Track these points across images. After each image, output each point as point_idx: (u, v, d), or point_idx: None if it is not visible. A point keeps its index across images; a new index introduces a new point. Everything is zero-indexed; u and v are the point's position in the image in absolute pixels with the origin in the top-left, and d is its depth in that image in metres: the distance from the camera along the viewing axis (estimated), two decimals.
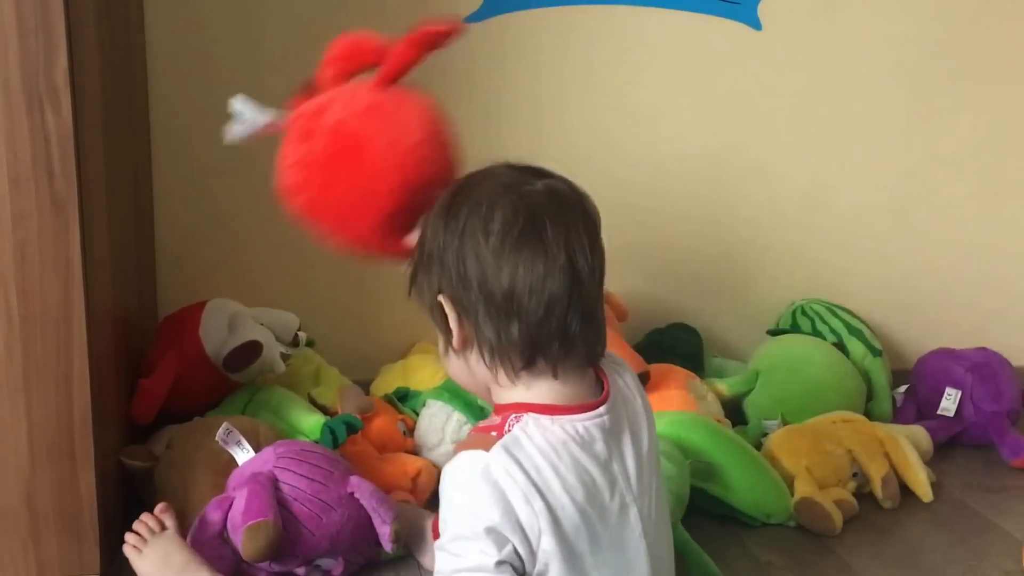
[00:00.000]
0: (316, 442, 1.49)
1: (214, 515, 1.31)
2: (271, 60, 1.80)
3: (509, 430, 0.97)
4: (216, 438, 1.38)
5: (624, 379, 1.07)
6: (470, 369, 1.02)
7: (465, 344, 1.00)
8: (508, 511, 0.93)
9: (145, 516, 1.29)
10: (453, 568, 0.94)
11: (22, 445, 1.25)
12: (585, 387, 1.01)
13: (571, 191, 1.00)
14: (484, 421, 1.01)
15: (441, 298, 1.00)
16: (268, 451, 1.37)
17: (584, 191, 1.02)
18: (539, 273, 0.95)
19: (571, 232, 0.96)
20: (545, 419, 0.97)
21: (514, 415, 0.98)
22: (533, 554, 0.95)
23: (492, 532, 0.93)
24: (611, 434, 1.00)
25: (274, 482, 1.31)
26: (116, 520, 1.39)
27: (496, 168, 1.02)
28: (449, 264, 0.98)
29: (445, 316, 1.00)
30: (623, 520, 0.99)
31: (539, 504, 0.94)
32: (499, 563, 0.93)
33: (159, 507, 1.31)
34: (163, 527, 1.28)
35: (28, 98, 1.17)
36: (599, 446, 0.99)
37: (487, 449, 0.95)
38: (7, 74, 1.16)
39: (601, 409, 1.00)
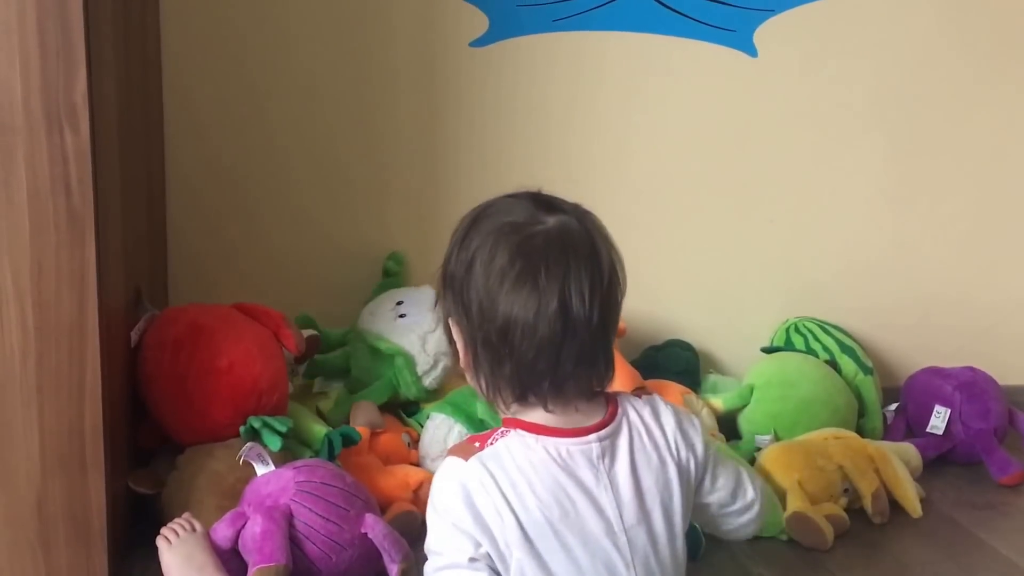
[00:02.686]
0: (318, 454, 1.52)
1: (227, 530, 1.33)
2: (287, 78, 1.84)
3: (493, 443, 1.01)
4: (239, 455, 1.39)
5: (651, 415, 1.06)
6: (476, 386, 1.06)
7: (468, 367, 1.05)
8: (478, 518, 0.98)
9: (181, 518, 1.33)
10: (434, 567, 0.99)
11: (34, 453, 1.27)
12: (582, 415, 1.03)
13: (582, 229, 1.02)
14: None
15: (450, 321, 1.05)
16: (288, 476, 1.37)
17: (598, 225, 1.04)
18: (531, 317, 0.97)
19: (569, 276, 0.98)
20: (530, 437, 1.01)
21: (503, 429, 1.02)
22: (505, 562, 0.98)
23: (464, 532, 0.98)
24: (601, 461, 1.01)
25: (289, 518, 1.32)
26: (125, 529, 1.42)
27: (516, 200, 1.04)
28: (458, 293, 1.02)
29: (453, 337, 1.06)
30: (611, 545, 1.01)
31: (510, 518, 0.98)
32: (472, 560, 0.97)
33: (186, 514, 1.34)
34: (194, 529, 1.32)
35: (48, 118, 1.20)
36: (583, 471, 1.01)
37: (466, 458, 1.00)
38: (28, 94, 1.19)
39: (591, 437, 1.01)
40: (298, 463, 1.41)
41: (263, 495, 1.35)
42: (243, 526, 1.32)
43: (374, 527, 1.35)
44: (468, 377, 1.07)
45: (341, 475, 1.40)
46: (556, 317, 0.97)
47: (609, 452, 1.02)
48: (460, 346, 1.05)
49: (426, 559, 1.02)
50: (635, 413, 1.06)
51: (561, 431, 1.02)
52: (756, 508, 1.17)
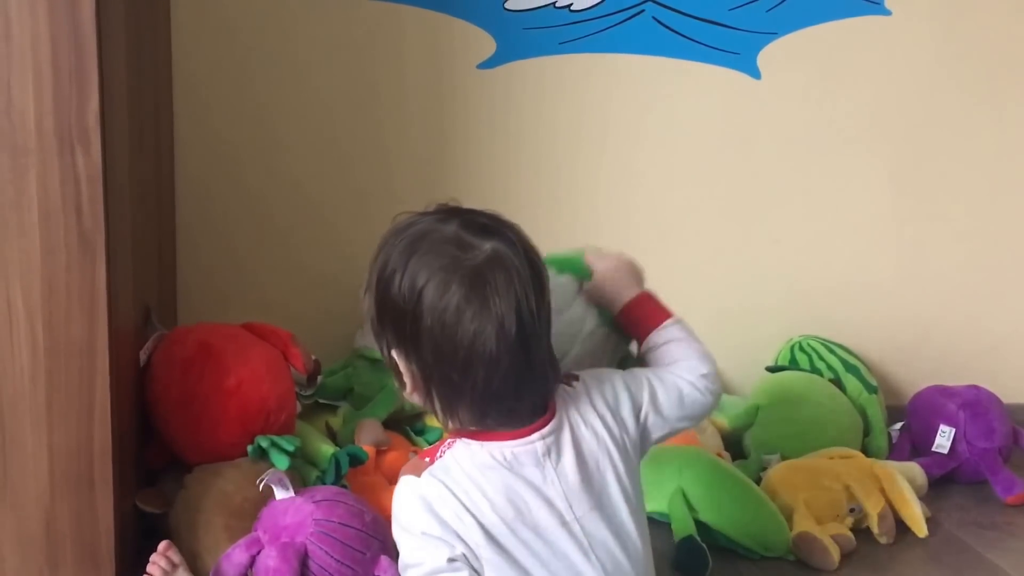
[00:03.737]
0: (324, 473, 1.52)
1: (241, 556, 1.33)
2: (298, 100, 1.86)
3: (441, 456, 1.05)
4: (260, 480, 1.38)
5: (584, 405, 1.10)
6: (429, 409, 1.08)
7: (417, 396, 1.07)
8: (444, 524, 1.02)
9: (155, 556, 1.32)
10: None
11: (43, 473, 1.28)
12: (522, 417, 1.06)
13: (516, 251, 1.03)
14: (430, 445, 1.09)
15: (395, 354, 1.06)
16: (306, 512, 1.35)
17: (521, 235, 1.05)
18: (495, 350, 0.99)
19: (520, 300, 1.00)
20: (475, 444, 1.05)
21: (449, 440, 1.07)
22: (479, 561, 1.02)
23: (435, 538, 1.01)
24: (547, 457, 1.06)
25: (303, 557, 1.32)
26: (133, 548, 1.42)
27: (442, 222, 1.04)
28: (402, 328, 1.03)
29: (398, 368, 1.06)
30: (567, 534, 1.05)
31: (470, 520, 1.02)
32: (451, 560, 1.01)
33: (162, 546, 1.33)
34: (173, 565, 1.31)
35: (60, 139, 1.21)
36: (529, 470, 1.05)
37: (418, 474, 1.04)
38: (41, 116, 1.20)
39: (533, 436, 1.05)
40: (318, 495, 1.39)
41: (280, 527, 1.34)
42: (258, 553, 1.33)
43: (388, 571, 1.34)
44: (415, 399, 1.08)
45: (360, 513, 1.38)
46: (515, 341, 1.00)
47: (555, 448, 1.06)
48: (407, 378, 1.06)
49: None
50: (572, 405, 1.10)
51: (504, 434, 1.05)
52: (708, 376, 1.21)
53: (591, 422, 1.10)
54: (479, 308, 0.99)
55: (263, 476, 1.38)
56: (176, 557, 1.32)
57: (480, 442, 1.05)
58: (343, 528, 1.34)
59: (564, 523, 1.05)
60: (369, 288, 1.07)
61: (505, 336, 0.99)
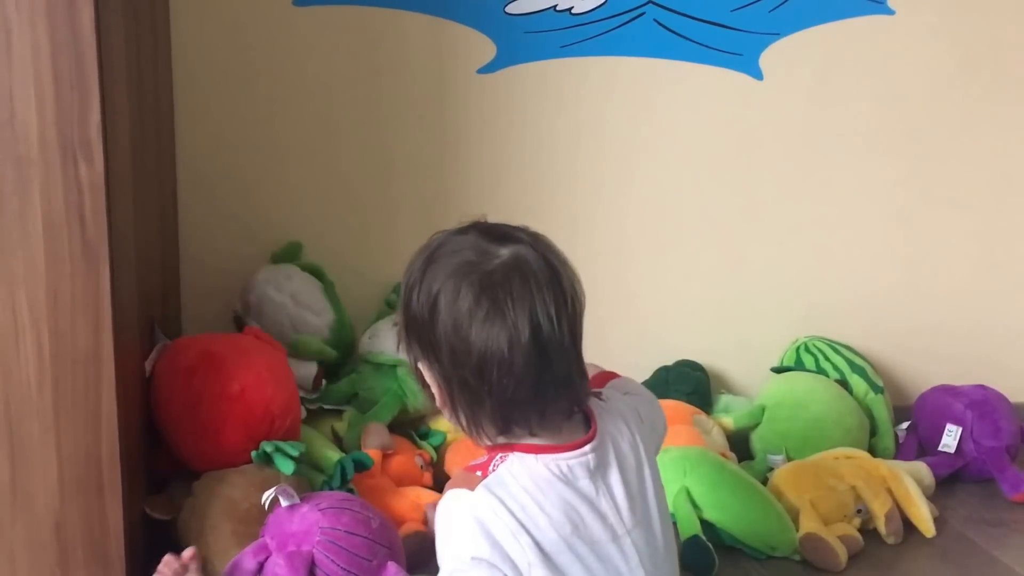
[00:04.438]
0: (330, 479, 1.53)
1: (249, 563, 1.34)
2: (299, 106, 1.86)
3: (494, 470, 1.01)
4: (264, 500, 1.38)
5: (616, 420, 1.09)
6: (456, 423, 1.06)
7: (445, 407, 1.05)
8: (495, 545, 0.98)
9: (169, 557, 1.31)
10: None
11: (52, 478, 1.29)
12: (568, 429, 1.04)
13: (536, 254, 1.02)
14: (474, 460, 1.05)
15: (420, 365, 1.05)
16: (312, 520, 1.35)
17: (550, 245, 1.04)
18: (506, 352, 0.98)
19: (535, 304, 0.99)
20: (530, 458, 1.02)
21: (500, 455, 1.03)
22: None
23: (483, 562, 0.97)
24: (597, 471, 1.04)
25: (310, 565, 1.32)
26: (142, 553, 1.43)
27: (465, 235, 1.04)
28: (424, 337, 1.02)
29: (425, 379, 1.05)
30: (618, 550, 1.03)
31: (525, 539, 0.98)
32: None
33: (187, 552, 1.32)
34: (185, 571, 1.31)
35: (63, 150, 1.22)
36: (583, 483, 1.03)
37: (472, 489, 1.00)
38: (44, 128, 1.21)
39: (586, 448, 1.03)
40: (323, 502, 1.39)
41: (287, 534, 1.35)
42: (266, 559, 1.34)
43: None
44: (446, 415, 1.07)
45: (366, 520, 1.38)
46: (530, 346, 0.98)
47: (602, 461, 1.04)
48: (434, 389, 1.05)
49: None
50: (608, 419, 1.09)
51: (557, 447, 1.03)
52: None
53: (626, 436, 1.09)
54: (490, 310, 0.98)
55: (267, 494, 1.37)
56: (194, 566, 1.31)
57: (535, 455, 1.02)
58: (349, 536, 1.34)
59: (615, 537, 1.03)
60: (398, 306, 1.08)
61: (518, 339, 0.98)
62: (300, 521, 1.36)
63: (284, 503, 1.38)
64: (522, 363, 0.98)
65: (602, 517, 1.03)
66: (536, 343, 0.98)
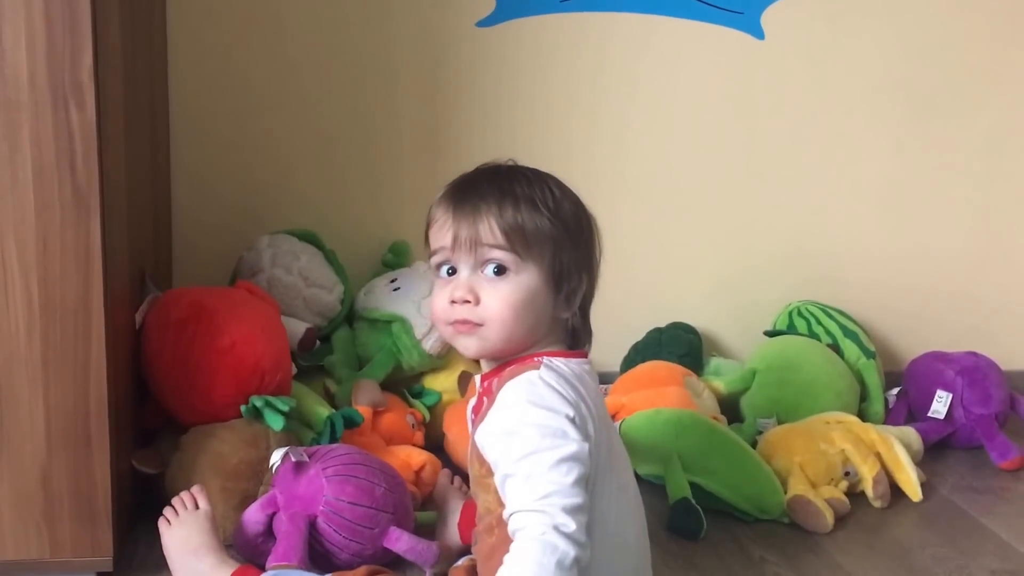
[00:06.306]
0: (320, 435, 1.52)
1: (259, 515, 1.35)
2: (290, 61, 1.84)
3: (541, 363, 1.09)
4: (272, 465, 1.38)
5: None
6: (543, 305, 1.11)
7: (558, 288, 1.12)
8: (575, 405, 1.05)
9: (183, 493, 1.34)
10: (557, 458, 1.00)
11: (39, 429, 1.28)
12: (567, 334, 1.16)
13: (514, 178, 1.13)
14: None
15: (583, 273, 1.14)
16: (317, 486, 1.35)
17: (546, 183, 1.15)
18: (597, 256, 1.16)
19: (502, 206, 1.10)
20: (557, 360, 1.11)
21: (535, 358, 1.10)
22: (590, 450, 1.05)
23: (573, 421, 1.03)
24: (593, 379, 1.14)
25: (313, 526, 1.33)
26: (130, 506, 1.42)
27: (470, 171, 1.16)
28: (579, 243, 1.13)
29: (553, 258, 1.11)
30: (619, 443, 1.17)
31: (584, 409, 1.07)
32: (582, 447, 1.02)
33: (195, 487, 1.35)
34: (196, 506, 1.33)
35: (54, 94, 1.19)
36: (594, 384, 1.13)
37: (537, 368, 1.08)
38: (34, 70, 1.18)
39: (588, 358, 1.15)
40: (330, 467, 1.37)
41: (294, 495, 1.35)
42: (274, 513, 1.35)
43: (397, 542, 1.35)
44: (539, 298, 1.10)
45: (371, 489, 1.36)
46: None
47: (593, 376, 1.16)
48: (529, 295, 1.10)
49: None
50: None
51: (575, 353, 1.14)
52: None
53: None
54: (450, 202, 1.10)
55: (274, 458, 1.37)
56: (203, 503, 1.34)
57: (563, 358, 1.11)
58: (352, 508, 1.34)
59: (616, 433, 1.18)
60: (538, 219, 1.13)
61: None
62: (307, 485, 1.36)
63: (293, 459, 1.37)
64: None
65: (609, 415, 1.19)
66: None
